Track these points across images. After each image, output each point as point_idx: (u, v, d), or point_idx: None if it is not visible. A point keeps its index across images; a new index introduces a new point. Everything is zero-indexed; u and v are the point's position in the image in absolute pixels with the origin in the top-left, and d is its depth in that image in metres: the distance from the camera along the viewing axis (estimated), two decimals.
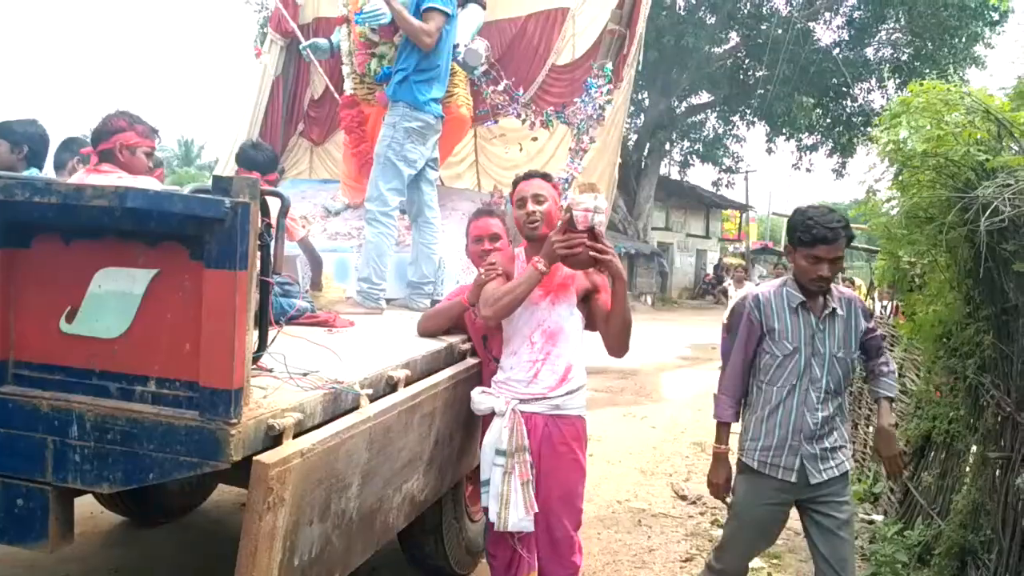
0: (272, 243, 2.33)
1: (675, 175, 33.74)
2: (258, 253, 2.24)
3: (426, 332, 3.53)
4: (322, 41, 5.51)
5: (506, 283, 3.16)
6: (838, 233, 2.89)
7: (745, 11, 26.77)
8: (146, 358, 2.11)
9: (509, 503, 3.06)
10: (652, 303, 29.84)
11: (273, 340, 2.56)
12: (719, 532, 4.94)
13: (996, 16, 23.55)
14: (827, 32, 27.31)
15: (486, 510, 3.18)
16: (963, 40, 24.23)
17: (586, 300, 3.23)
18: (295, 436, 2.20)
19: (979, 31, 24.06)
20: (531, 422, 3.13)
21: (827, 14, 26.34)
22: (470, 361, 3.52)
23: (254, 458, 2.02)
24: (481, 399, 3.21)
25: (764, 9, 26.84)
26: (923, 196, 3.72)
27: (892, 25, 25.59)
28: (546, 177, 3.30)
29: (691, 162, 32.20)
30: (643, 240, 29.78)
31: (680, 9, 25.26)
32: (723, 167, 32.34)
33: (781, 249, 41.60)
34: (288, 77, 6.43)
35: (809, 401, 3.03)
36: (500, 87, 5.19)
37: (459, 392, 3.32)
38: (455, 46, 4.77)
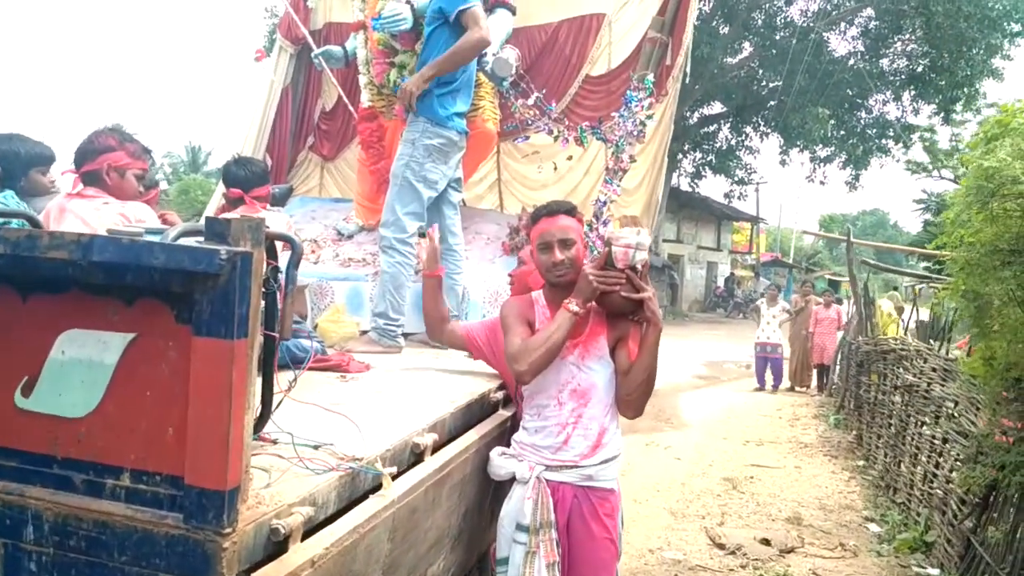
0: (277, 291, 1.89)
1: (686, 186, 33.26)
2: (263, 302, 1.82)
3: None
4: (336, 48, 5.11)
5: (529, 333, 2.74)
6: None
7: (759, 21, 26.35)
8: (119, 444, 1.68)
9: None
10: (662, 316, 29.37)
11: (278, 405, 2.14)
12: None
13: (1017, 27, 23.15)
14: (842, 43, 26.93)
15: None
16: (981, 51, 23.76)
17: (613, 350, 2.80)
18: (304, 537, 1.77)
19: (998, 43, 23.61)
20: (558, 493, 2.71)
21: (842, 24, 25.93)
22: (504, 413, 3.09)
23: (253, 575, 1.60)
24: (501, 463, 2.78)
25: (779, 19, 26.40)
26: (1011, 228, 3.33)
27: (908, 36, 25.13)
28: (571, 212, 2.85)
29: (703, 173, 31.75)
30: (654, 252, 29.30)
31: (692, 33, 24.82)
32: (735, 179, 31.89)
33: (790, 261, 41.29)
34: (298, 87, 5.99)
35: None
36: (530, 100, 4.75)
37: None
38: (482, 55, 4.34)
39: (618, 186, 4.24)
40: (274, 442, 2.12)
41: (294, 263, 1.77)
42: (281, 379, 2.20)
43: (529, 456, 2.75)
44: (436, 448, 2.49)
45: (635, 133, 4.34)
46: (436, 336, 3.50)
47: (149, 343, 1.65)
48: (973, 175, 3.14)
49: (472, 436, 2.72)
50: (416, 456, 2.39)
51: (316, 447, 2.13)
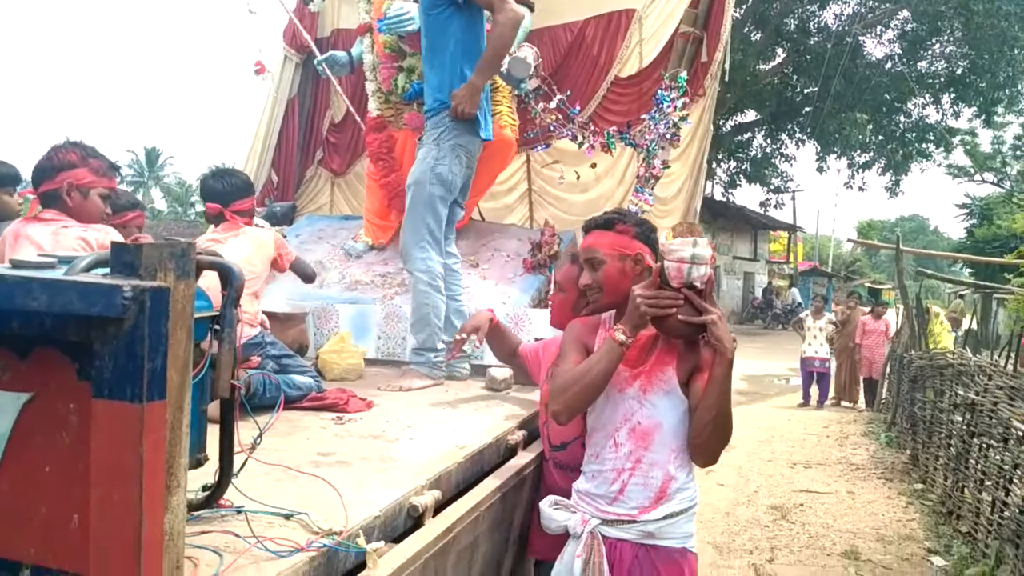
0: (230, 330, 1.51)
1: (720, 196, 32.66)
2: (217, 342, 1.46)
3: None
4: (340, 54, 4.77)
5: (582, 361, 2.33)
6: None
7: (792, 26, 25.77)
8: (17, 534, 1.32)
9: None
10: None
11: (242, 467, 1.77)
12: None
13: None
14: (878, 46, 26.25)
15: None
16: (1023, 51, 23.01)
17: (687, 383, 2.33)
18: None
19: None
20: (616, 552, 2.27)
21: (878, 27, 25.26)
22: (525, 456, 2.69)
23: None
24: (552, 514, 2.37)
25: (812, 24, 25.81)
26: None
27: (947, 37, 24.42)
28: (606, 225, 2.44)
29: (738, 182, 31.15)
30: None
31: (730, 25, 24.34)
32: (771, 187, 31.24)
33: (828, 270, 40.41)
34: (305, 98, 5.67)
35: None
36: (552, 104, 4.34)
37: (510, 503, 2.50)
38: None
39: (650, 195, 3.83)
40: (238, 511, 1.76)
41: (231, 301, 1.39)
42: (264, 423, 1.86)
43: (584, 507, 2.35)
44: (439, 508, 2.11)
45: (667, 136, 3.92)
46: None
47: (48, 405, 1.28)
48: None
49: (484, 490, 2.33)
50: (414, 520, 2.01)
51: (288, 516, 1.76)
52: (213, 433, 1.67)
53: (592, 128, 4.32)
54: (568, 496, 2.51)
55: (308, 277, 3.74)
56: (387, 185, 4.60)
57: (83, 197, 2.60)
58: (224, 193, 3.30)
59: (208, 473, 1.73)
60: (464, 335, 3.22)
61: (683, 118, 3.98)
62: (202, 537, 1.63)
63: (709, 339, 2.18)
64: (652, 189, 3.88)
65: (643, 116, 4.10)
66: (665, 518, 2.27)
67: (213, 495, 1.71)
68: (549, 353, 2.94)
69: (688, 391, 2.31)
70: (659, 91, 4.03)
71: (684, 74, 4.03)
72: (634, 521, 2.27)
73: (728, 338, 2.16)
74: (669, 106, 3.94)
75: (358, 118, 5.16)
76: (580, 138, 4.33)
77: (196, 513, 1.73)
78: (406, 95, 4.37)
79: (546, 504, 2.41)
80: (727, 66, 4.19)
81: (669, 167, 4.00)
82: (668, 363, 2.32)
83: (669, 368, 2.31)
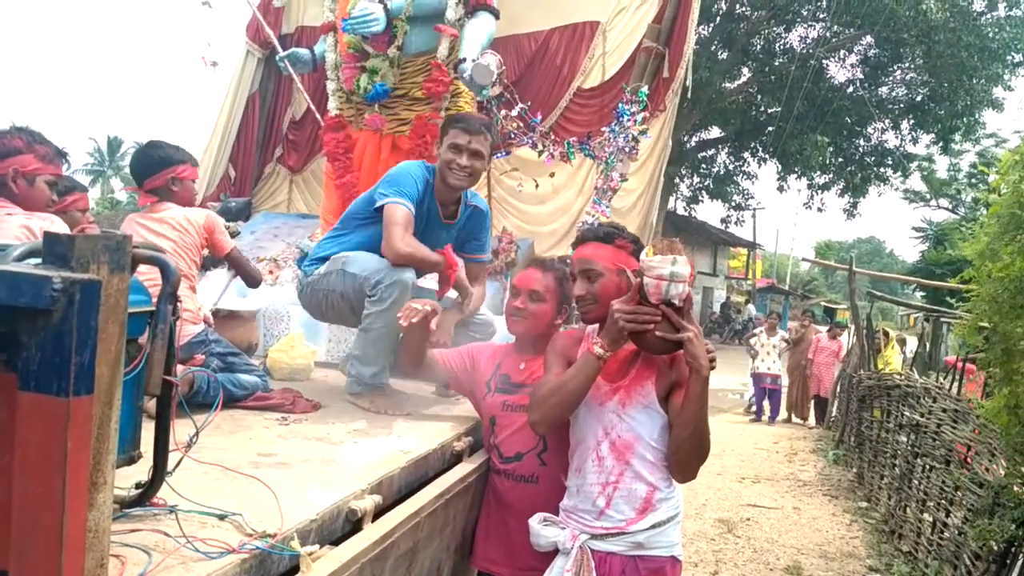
0: (163, 325, 1.49)
1: (683, 210, 32.98)
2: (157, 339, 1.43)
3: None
4: (303, 51, 4.73)
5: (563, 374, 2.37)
6: None
7: (758, 47, 26.14)
8: None
9: None
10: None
11: (178, 464, 1.75)
12: None
13: (1018, 58, 22.97)
14: (841, 70, 26.68)
15: None
16: (981, 81, 23.56)
17: (667, 398, 2.37)
18: None
19: (999, 73, 23.41)
20: (605, 565, 2.30)
21: (842, 52, 25.73)
22: (469, 465, 2.68)
23: None
24: (541, 531, 2.39)
25: (777, 46, 26.20)
26: None
27: (908, 64, 24.93)
28: (606, 238, 2.46)
29: (700, 198, 31.47)
30: None
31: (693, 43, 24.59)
32: (733, 204, 31.60)
33: (786, 288, 40.95)
34: (266, 94, 5.61)
35: None
36: (514, 112, 4.35)
37: (452, 511, 2.49)
38: (461, 60, 3.97)
39: (607, 207, 3.87)
40: (171, 511, 1.73)
41: (166, 296, 1.36)
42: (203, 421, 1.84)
43: (573, 523, 2.37)
44: (380, 512, 2.10)
45: (627, 150, 3.96)
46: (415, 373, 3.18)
47: None
48: (1007, 201, 2.78)
49: (425, 496, 2.31)
50: (353, 524, 1.99)
51: (222, 517, 1.73)
52: (152, 430, 1.65)
53: (552, 138, 4.35)
54: (515, 507, 2.54)
55: (251, 278, 3.36)
56: (342, 185, 4.54)
57: (29, 184, 2.55)
58: (136, 175, 3.12)
59: (143, 470, 1.70)
60: (426, 308, 2.92)
61: (643, 132, 4.02)
62: (132, 535, 1.60)
63: (685, 356, 2.21)
64: (609, 201, 3.91)
65: (603, 128, 4.15)
66: (653, 527, 2.30)
67: (146, 493, 1.68)
68: (482, 364, 2.90)
69: (667, 406, 2.34)
70: (620, 104, 4.07)
71: (645, 88, 4.08)
72: (623, 532, 2.30)
73: (704, 356, 2.19)
74: (629, 120, 3.98)
75: (318, 116, 5.13)
76: (540, 147, 4.36)
77: (128, 511, 1.70)
78: (368, 96, 4.34)
79: (535, 521, 2.42)
80: (689, 83, 4.23)
81: (627, 180, 4.04)
82: (647, 378, 2.35)
83: (648, 383, 2.35)
